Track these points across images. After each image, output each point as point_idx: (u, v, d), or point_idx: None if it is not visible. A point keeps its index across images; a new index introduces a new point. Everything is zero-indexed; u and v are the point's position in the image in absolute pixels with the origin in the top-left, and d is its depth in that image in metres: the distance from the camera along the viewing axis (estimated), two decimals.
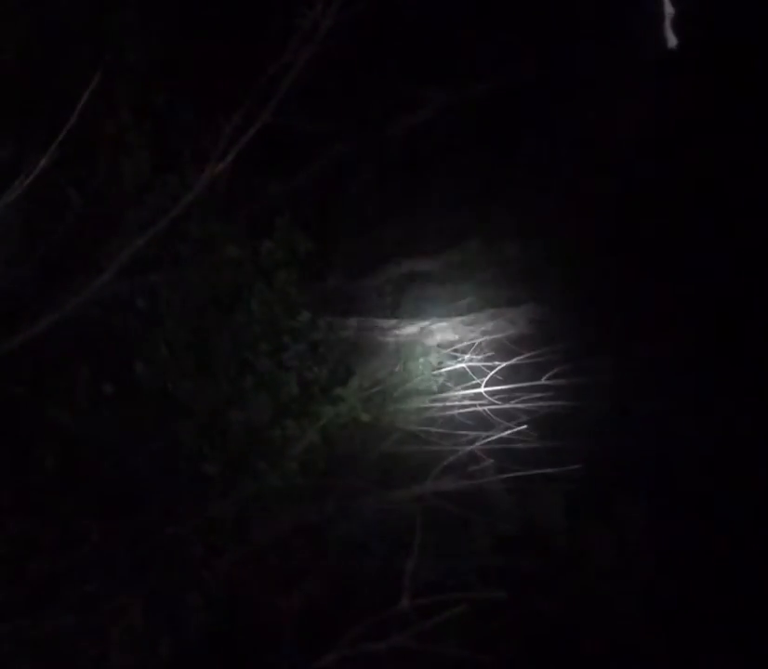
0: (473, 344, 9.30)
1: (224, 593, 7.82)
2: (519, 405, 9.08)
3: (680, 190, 9.64)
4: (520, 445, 8.89)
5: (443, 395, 9.08)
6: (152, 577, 7.68)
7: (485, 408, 9.06)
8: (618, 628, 9.03)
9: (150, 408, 7.77)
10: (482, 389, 9.04)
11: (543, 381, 9.07)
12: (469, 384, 9.05)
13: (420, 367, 8.94)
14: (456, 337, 9.33)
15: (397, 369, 8.79)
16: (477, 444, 8.79)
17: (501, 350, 9.34)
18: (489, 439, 8.73)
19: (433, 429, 8.83)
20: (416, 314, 9.11)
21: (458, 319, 9.23)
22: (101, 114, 6.16)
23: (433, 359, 9.11)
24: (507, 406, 9.06)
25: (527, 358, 9.16)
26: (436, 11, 8.73)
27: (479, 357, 9.16)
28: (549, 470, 8.80)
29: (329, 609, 7.99)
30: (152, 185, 7.01)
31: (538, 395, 9.06)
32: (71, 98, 6.32)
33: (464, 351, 9.23)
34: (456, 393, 9.10)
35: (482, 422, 9.06)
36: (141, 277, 7.04)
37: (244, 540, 7.95)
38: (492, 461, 8.81)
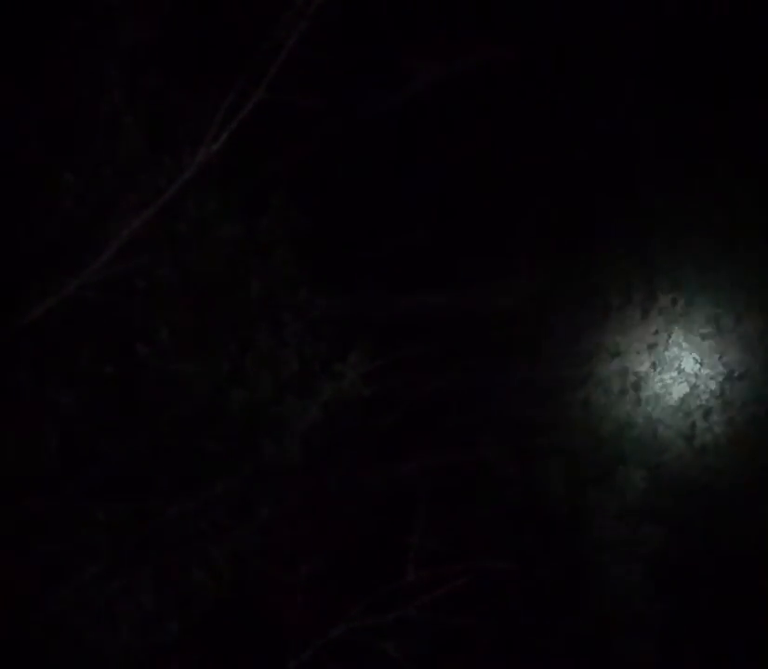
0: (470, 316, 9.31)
1: (230, 570, 7.88)
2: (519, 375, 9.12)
3: None
4: (521, 415, 8.94)
5: (443, 367, 9.10)
6: (158, 556, 7.73)
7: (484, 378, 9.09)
8: (621, 598, 9.10)
9: (151, 388, 7.78)
10: None
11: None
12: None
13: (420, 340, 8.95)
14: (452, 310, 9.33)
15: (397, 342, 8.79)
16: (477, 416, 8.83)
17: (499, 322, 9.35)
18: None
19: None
20: (413, 288, 9.10)
21: (456, 291, 9.23)
22: (95, 96, 6.12)
23: (432, 331, 9.12)
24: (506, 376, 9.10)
25: None
26: None
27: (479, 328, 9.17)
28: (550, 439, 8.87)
29: (335, 583, 8.04)
30: (148, 166, 6.99)
31: (538, 365, 9.11)
32: (64, 80, 6.32)
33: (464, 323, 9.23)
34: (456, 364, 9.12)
35: (480, 392, 9.09)
36: (139, 258, 7.02)
37: (248, 517, 7.99)
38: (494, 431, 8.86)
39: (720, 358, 9.80)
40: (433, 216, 9.05)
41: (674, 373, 9.67)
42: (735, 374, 9.80)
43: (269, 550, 8.15)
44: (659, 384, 9.64)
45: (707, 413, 9.76)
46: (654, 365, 9.65)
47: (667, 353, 9.70)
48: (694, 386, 9.74)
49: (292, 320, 8.15)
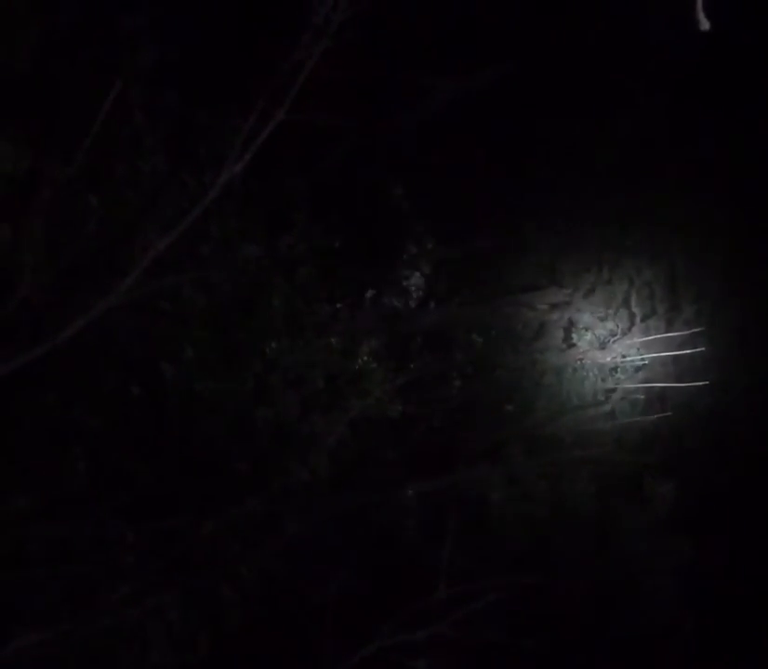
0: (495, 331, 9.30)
1: (260, 587, 7.87)
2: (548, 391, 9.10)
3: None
4: (550, 429, 8.92)
5: (471, 382, 9.09)
6: (188, 575, 7.72)
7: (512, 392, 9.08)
8: (652, 610, 9.05)
9: (178, 408, 7.79)
10: None
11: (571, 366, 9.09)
12: None
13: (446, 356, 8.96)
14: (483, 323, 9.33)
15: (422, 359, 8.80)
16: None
17: (527, 335, 9.35)
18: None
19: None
20: (438, 304, 9.10)
21: (483, 306, 9.22)
22: (117, 118, 6.15)
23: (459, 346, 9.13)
24: (536, 389, 9.08)
25: None
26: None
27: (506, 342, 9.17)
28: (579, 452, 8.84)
29: (365, 600, 8.02)
30: (171, 187, 7.01)
31: (568, 379, 9.08)
32: (85, 103, 6.35)
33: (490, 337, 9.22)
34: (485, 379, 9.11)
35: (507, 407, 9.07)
36: (164, 279, 7.04)
37: (277, 534, 7.98)
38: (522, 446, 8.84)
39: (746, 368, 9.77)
40: (456, 230, 9.04)
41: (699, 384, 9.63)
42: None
43: (298, 568, 8.15)
44: (684, 395, 9.60)
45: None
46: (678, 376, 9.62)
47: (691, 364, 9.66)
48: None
49: (316, 337, 8.15)
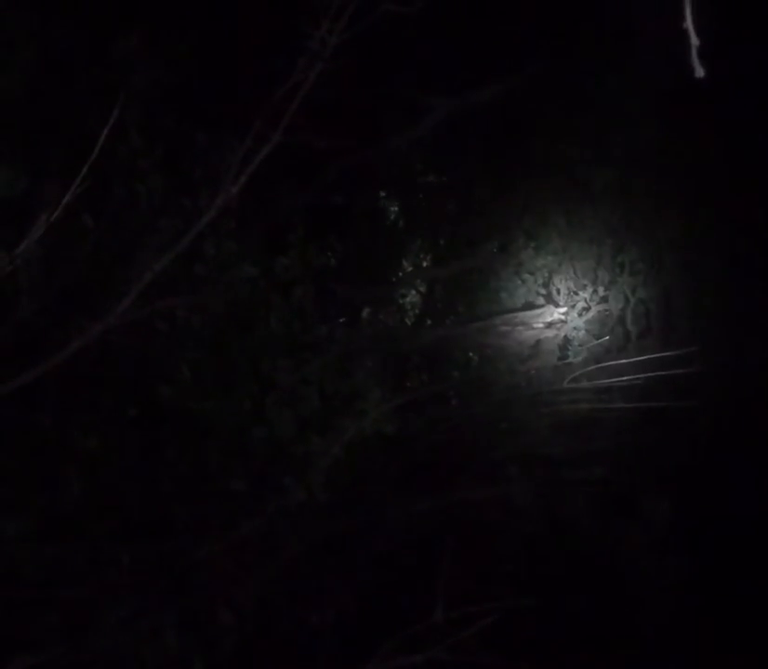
0: (491, 350, 9.30)
1: (257, 611, 7.83)
2: (543, 409, 9.09)
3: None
4: (545, 449, 8.90)
5: (466, 401, 9.10)
6: (184, 598, 7.69)
7: (507, 412, 9.07)
8: (652, 629, 9.02)
9: (174, 429, 7.78)
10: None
11: (565, 385, 9.08)
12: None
13: (442, 375, 8.96)
14: (479, 342, 9.33)
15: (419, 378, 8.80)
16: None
17: (521, 354, 9.34)
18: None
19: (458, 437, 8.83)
20: (434, 323, 9.11)
21: (478, 325, 9.23)
22: (112, 140, 6.14)
23: (454, 365, 9.13)
24: (530, 411, 9.07)
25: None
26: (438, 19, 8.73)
27: (500, 362, 9.17)
28: (574, 473, 8.82)
29: (362, 623, 7.98)
30: (167, 209, 7.01)
31: (562, 398, 9.07)
32: (81, 125, 6.35)
33: (484, 357, 9.23)
34: (479, 399, 9.11)
35: (503, 427, 9.05)
36: (160, 300, 7.02)
37: (273, 556, 7.95)
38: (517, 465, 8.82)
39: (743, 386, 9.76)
40: (452, 249, 9.06)
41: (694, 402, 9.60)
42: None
43: (294, 591, 8.12)
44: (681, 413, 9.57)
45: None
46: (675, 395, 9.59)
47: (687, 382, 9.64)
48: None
49: (312, 357, 8.15)
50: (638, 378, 9.20)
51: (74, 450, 7.41)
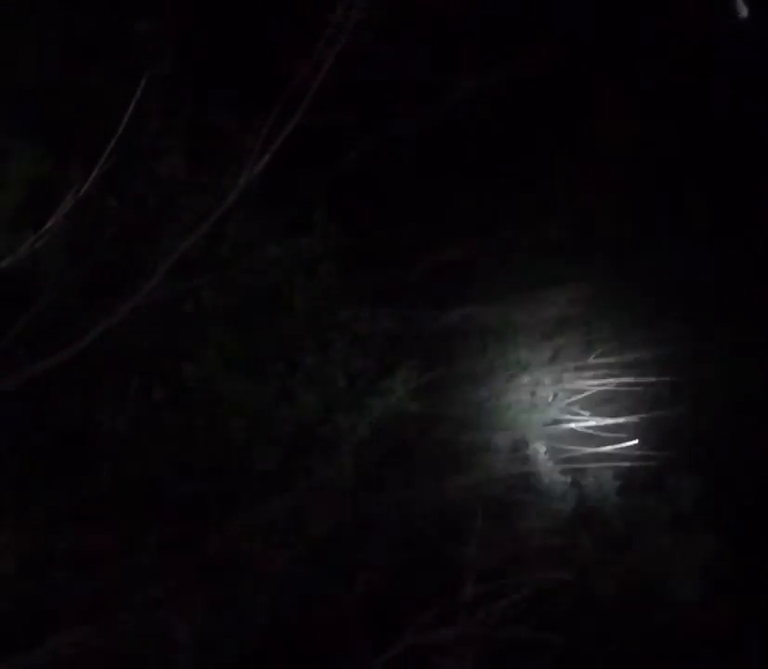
0: (517, 327, 9.28)
1: (287, 589, 7.89)
2: (567, 385, 9.08)
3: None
4: (572, 426, 8.91)
5: (490, 380, 9.09)
6: (214, 577, 7.75)
7: (533, 389, 9.06)
8: (678, 606, 9.03)
9: (201, 411, 7.81)
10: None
11: (591, 360, 9.07)
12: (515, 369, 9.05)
13: (466, 354, 8.95)
14: (498, 322, 9.31)
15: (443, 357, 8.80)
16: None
17: (546, 331, 9.32)
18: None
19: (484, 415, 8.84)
20: (457, 302, 9.09)
21: (499, 303, 9.20)
22: (136, 121, 6.16)
23: (478, 344, 9.12)
24: (555, 387, 9.07)
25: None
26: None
27: (525, 339, 9.15)
28: (601, 449, 8.82)
29: (392, 599, 8.02)
30: (190, 190, 7.03)
31: (588, 373, 9.06)
32: (104, 107, 6.37)
33: (509, 335, 9.20)
34: (503, 377, 9.11)
35: (528, 404, 9.05)
36: (185, 281, 7.05)
37: (302, 535, 7.99)
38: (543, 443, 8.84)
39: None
40: (476, 228, 9.03)
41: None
42: None
43: (323, 569, 8.16)
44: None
45: None
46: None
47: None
48: None
49: (338, 337, 8.17)
50: (661, 352, 9.17)
51: (103, 431, 7.46)
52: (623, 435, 9.00)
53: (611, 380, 9.05)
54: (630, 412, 9.03)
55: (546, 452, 8.78)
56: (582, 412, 8.93)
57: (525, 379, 8.99)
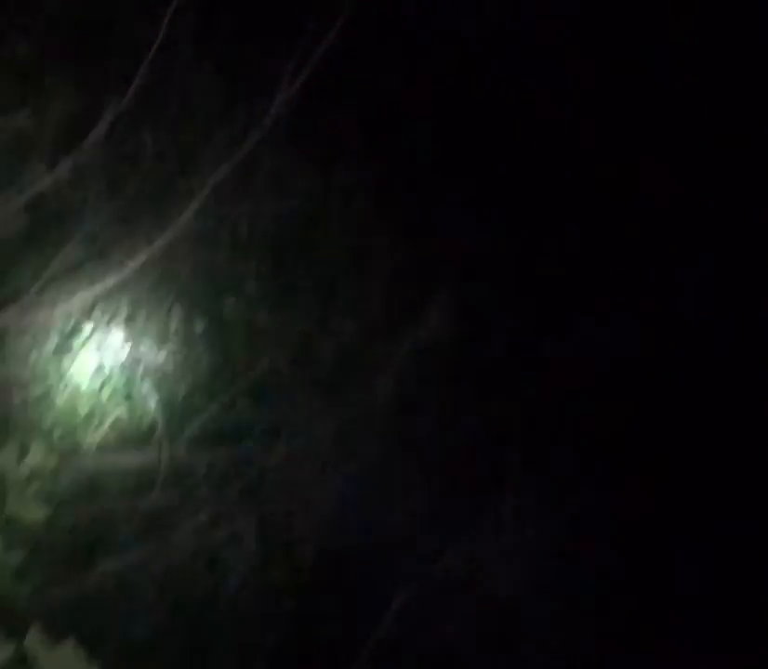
0: None
1: (333, 513, 8.02)
2: None
3: None
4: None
5: None
6: (261, 503, 7.89)
7: None
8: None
9: (241, 341, 7.91)
10: None
11: None
12: None
13: None
14: None
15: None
16: None
17: None
18: None
19: None
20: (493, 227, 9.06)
21: None
22: (167, 48, 6.19)
23: None
24: None
25: None
26: None
27: None
28: None
29: (435, 517, 8.11)
30: (223, 119, 7.06)
31: None
32: (135, 34, 6.40)
33: None
34: None
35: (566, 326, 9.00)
36: (221, 211, 7.11)
37: (349, 460, 8.10)
38: None
39: None
40: (512, 155, 8.94)
41: None
42: None
43: (371, 492, 8.27)
44: None
45: None
46: None
47: None
48: None
49: (375, 266, 8.22)
50: None
51: (145, 364, 7.58)
52: None
53: None
54: None
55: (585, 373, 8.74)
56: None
57: (561, 304, 8.98)
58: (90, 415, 7.23)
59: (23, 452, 4.82)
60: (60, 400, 7.09)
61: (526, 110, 9.16)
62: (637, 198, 9.13)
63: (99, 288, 6.29)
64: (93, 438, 7.29)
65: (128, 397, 7.51)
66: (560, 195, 9.04)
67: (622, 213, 9.07)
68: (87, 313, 7.01)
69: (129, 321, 7.48)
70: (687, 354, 8.96)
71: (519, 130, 9.10)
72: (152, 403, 7.57)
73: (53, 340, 7.01)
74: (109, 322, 7.28)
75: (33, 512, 4.76)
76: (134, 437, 7.47)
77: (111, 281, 6.36)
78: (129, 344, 7.54)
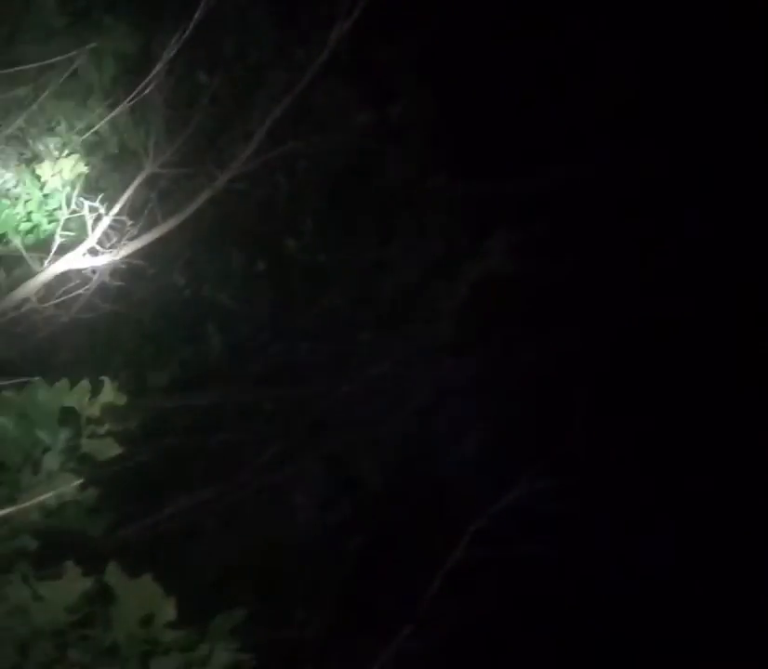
0: None
1: (395, 451, 8.11)
2: None
3: None
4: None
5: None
6: (325, 440, 7.99)
7: None
8: None
9: (302, 281, 7.97)
10: None
11: None
12: None
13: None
14: None
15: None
16: None
17: None
18: None
19: None
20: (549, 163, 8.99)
21: None
22: None
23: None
24: None
25: None
26: None
27: None
28: None
29: (501, 453, 8.17)
30: (278, 59, 7.06)
31: None
32: None
33: None
34: None
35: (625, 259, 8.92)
36: (277, 151, 7.11)
37: (409, 399, 8.17)
38: None
39: None
40: (567, 88, 8.84)
41: None
42: None
43: (430, 433, 8.35)
44: None
45: None
46: None
47: None
48: None
49: (432, 204, 8.22)
50: None
51: (210, 305, 7.66)
52: None
53: None
54: None
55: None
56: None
57: (619, 237, 8.92)
58: (157, 356, 7.33)
59: (95, 391, 4.90)
60: (128, 341, 7.19)
61: (584, 48, 9.03)
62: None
63: (160, 229, 6.33)
64: (161, 378, 7.39)
65: (193, 337, 7.61)
66: (618, 135, 8.97)
67: (676, 150, 8.98)
68: (149, 256, 7.05)
69: (191, 262, 7.56)
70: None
71: (575, 72, 9.00)
72: (217, 343, 7.66)
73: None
74: (171, 264, 7.35)
75: (107, 450, 4.84)
76: (200, 376, 7.58)
77: (172, 222, 6.39)
78: (192, 285, 7.62)
